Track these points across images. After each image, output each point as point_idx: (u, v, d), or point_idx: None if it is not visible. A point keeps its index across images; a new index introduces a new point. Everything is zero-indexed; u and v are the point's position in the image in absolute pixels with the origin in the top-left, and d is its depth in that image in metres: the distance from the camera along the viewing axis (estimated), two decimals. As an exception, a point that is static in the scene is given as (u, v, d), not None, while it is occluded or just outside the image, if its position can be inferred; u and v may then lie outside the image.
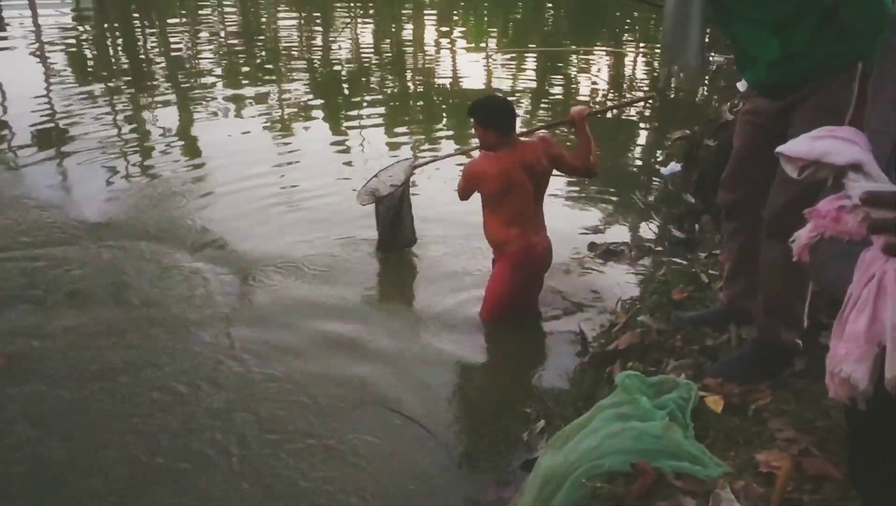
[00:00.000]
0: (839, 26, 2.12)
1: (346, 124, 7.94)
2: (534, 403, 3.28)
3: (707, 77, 9.04)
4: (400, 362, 3.59)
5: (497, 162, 3.62)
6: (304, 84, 9.97)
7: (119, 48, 12.89)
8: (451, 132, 7.50)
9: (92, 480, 2.80)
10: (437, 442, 3.03)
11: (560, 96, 9.48)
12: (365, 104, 8.80)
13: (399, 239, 4.67)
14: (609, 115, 7.53)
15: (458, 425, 3.20)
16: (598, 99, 9.42)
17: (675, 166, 5.92)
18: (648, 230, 5.18)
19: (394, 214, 4.56)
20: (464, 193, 3.88)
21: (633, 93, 9.82)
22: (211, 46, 12.72)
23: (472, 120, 3.73)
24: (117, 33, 14.17)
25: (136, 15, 15.92)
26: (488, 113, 3.66)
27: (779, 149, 1.14)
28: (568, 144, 5.11)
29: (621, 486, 2.01)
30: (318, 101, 8.97)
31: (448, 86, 10.21)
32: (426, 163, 5.00)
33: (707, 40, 2.47)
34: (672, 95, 9.83)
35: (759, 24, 2.29)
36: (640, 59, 12.30)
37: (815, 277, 1.18)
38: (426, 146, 7.17)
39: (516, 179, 3.59)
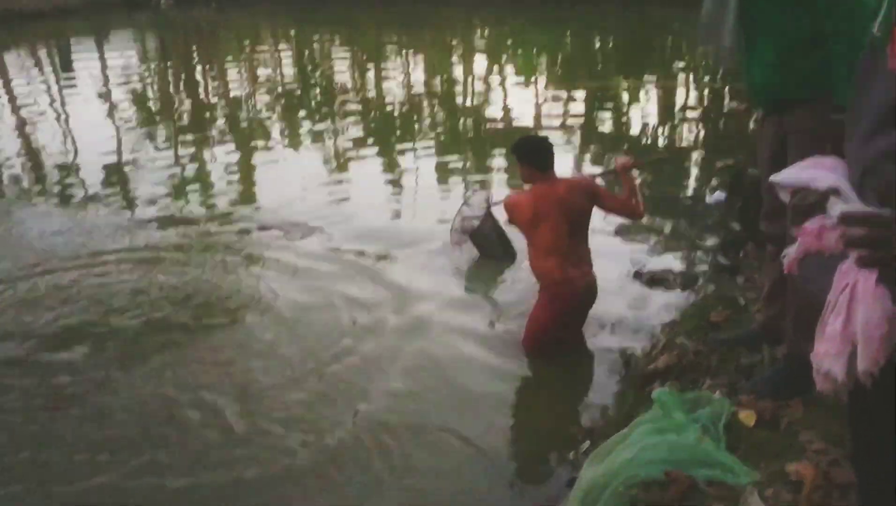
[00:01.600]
0: (827, 54, 2.28)
1: (399, 159, 8.22)
2: (580, 424, 3.41)
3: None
4: (454, 385, 3.75)
5: (530, 195, 3.84)
6: (358, 121, 10.34)
7: (181, 89, 13.51)
8: (504, 163, 7.70)
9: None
10: (490, 462, 3.16)
11: (610, 130, 9.62)
12: (418, 141, 9.10)
13: (508, 252, 5.13)
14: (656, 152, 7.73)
15: (509, 446, 3.33)
16: (648, 133, 9.53)
17: (720, 195, 5.99)
18: (694, 258, 5.26)
19: (493, 235, 5.07)
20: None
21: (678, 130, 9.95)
22: (267, 86, 13.23)
23: (515, 156, 3.96)
24: (181, 74, 14.84)
25: (196, 56, 16.64)
26: (528, 151, 3.90)
27: (772, 178, 1.33)
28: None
29: (656, 493, 2.15)
30: (372, 138, 9.27)
31: (498, 121, 10.43)
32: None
33: None
34: (721, 128, 9.89)
35: (761, 27, 2.48)
36: (692, 89, 12.37)
37: (802, 287, 1.34)
38: (478, 176, 7.45)
39: (546, 212, 3.75)
